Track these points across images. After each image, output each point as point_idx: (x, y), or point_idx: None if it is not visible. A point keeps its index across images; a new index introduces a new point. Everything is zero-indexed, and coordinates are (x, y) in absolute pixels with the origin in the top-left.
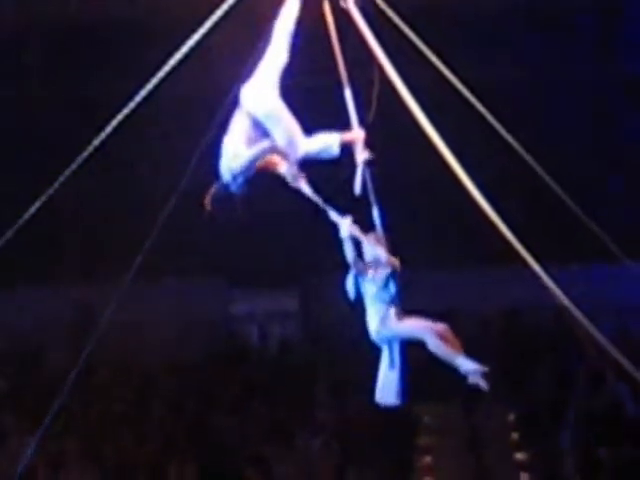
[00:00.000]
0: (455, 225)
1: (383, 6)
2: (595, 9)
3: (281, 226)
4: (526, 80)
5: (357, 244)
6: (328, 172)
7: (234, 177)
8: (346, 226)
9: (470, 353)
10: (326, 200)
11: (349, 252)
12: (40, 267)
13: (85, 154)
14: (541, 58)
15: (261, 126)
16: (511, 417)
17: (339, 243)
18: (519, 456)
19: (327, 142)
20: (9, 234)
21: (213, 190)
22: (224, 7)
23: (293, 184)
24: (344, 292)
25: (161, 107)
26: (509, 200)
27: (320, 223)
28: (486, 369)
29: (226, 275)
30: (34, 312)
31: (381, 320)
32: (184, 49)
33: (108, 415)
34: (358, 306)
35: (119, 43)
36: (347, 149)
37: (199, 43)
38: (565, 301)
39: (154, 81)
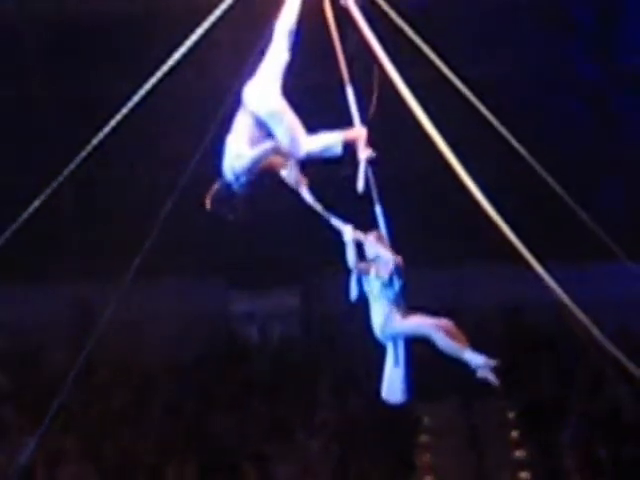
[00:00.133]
0: (456, 223)
1: (382, 3)
2: (595, 6)
3: (281, 225)
4: (526, 78)
5: (359, 244)
6: (330, 170)
7: (236, 177)
8: (349, 233)
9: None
10: (327, 204)
11: (351, 257)
12: (40, 266)
13: (84, 153)
14: (541, 56)
15: (264, 126)
16: (511, 415)
17: (339, 242)
18: (519, 454)
19: (330, 141)
20: (8, 233)
21: (215, 189)
22: (224, 6)
23: (294, 187)
24: (344, 291)
25: (161, 106)
26: (509, 198)
27: (320, 222)
28: (495, 363)
29: (226, 274)
30: (34, 311)
31: (386, 318)
32: (184, 48)
33: (107, 414)
34: (360, 305)
35: (118, 42)
36: (349, 147)
37: (199, 41)
38: (565, 299)
39: (153, 80)
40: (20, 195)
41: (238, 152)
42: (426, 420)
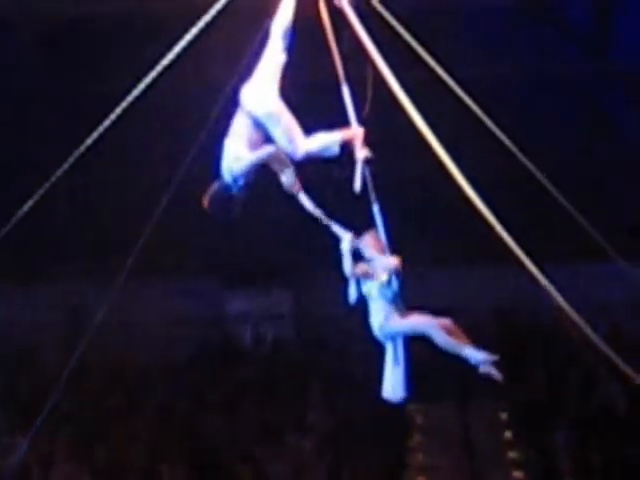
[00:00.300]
0: (449, 224)
1: (376, 3)
2: (589, 6)
3: (275, 227)
4: (520, 78)
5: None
6: (327, 170)
7: (235, 179)
8: (347, 242)
9: None
10: (326, 208)
11: (347, 265)
12: (32, 267)
13: (78, 153)
14: (535, 56)
15: (262, 127)
16: (504, 416)
17: (333, 244)
18: (512, 455)
19: (328, 141)
20: (2, 233)
21: (213, 190)
22: (218, 5)
23: (292, 193)
24: (337, 293)
25: (155, 105)
26: (503, 198)
27: (318, 227)
28: (496, 358)
29: (220, 275)
30: (26, 312)
31: (385, 317)
32: (179, 47)
33: (100, 415)
34: (355, 307)
35: (113, 41)
36: (346, 147)
37: (194, 41)
38: (558, 300)
39: (148, 79)
40: (12, 196)
41: (237, 154)
42: (419, 420)
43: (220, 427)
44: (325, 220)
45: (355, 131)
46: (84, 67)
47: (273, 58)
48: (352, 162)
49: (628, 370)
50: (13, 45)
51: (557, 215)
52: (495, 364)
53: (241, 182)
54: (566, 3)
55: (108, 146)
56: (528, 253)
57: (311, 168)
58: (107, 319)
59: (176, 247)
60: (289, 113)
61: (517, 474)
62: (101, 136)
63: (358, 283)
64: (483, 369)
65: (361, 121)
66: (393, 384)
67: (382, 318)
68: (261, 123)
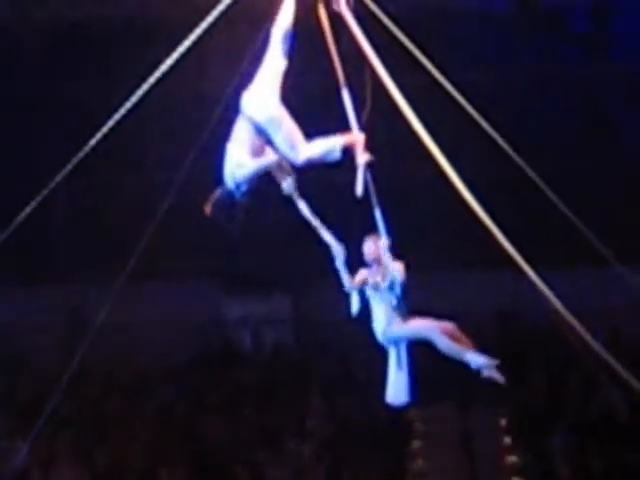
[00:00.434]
0: (448, 228)
1: (374, 8)
2: (588, 8)
3: (274, 231)
4: (518, 82)
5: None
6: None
7: (237, 185)
8: (340, 258)
9: None
10: (323, 218)
11: (345, 279)
12: (33, 270)
13: (77, 158)
14: (534, 59)
15: (264, 133)
16: (503, 421)
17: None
18: (511, 460)
19: (329, 146)
20: (3, 235)
21: (215, 196)
22: (218, 11)
23: (293, 199)
24: (337, 297)
25: (155, 109)
26: (501, 203)
27: (313, 229)
28: (497, 361)
29: (220, 280)
30: (26, 314)
31: (387, 322)
32: (178, 52)
33: (100, 417)
34: (354, 312)
35: (112, 45)
36: (348, 152)
37: (194, 45)
38: (557, 304)
39: (148, 84)
40: (14, 198)
41: (239, 161)
42: (419, 426)
43: (220, 431)
44: (321, 230)
45: (356, 136)
46: (85, 71)
47: (274, 63)
48: (353, 167)
49: (627, 375)
50: (13, 50)
51: (556, 220)
52: (497, 368)
53: (244, 188)
54: (565, 5)
55: (110, 149)
56: (527, 258)
57: (313, 173)
58: (108, 321)
59: (177, 251)
60: (290, 118)
61: (517, 479)
62: (103, 139)
63: (361, 293)
64: (486, 373)
65: (362, 126)
66: (396, 388)
67: (385, 323)
68: (262, 129)
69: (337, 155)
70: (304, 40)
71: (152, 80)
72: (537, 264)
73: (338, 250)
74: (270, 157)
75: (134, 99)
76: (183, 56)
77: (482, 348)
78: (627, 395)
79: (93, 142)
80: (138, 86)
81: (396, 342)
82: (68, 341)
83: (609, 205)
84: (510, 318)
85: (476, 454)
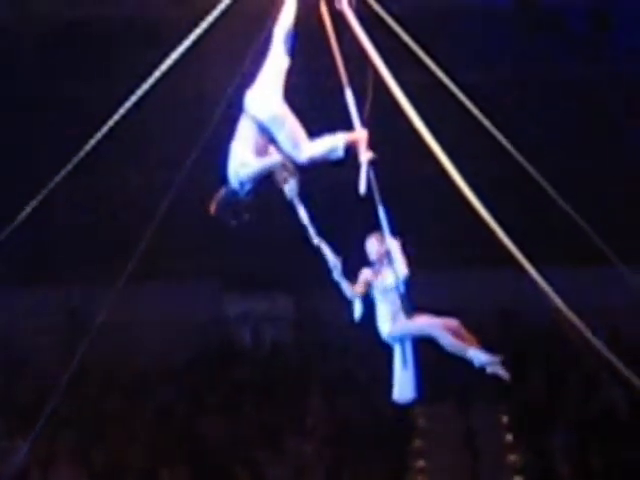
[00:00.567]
0: (449, 226)
1: (376, 7)
2: (588, 9)
3: (275, 229)
4: (520, 81)
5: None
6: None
7: (242, 184)
8: (337, 270)
9: None
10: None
11: (346, 289)
12: (33, 270)
13: (77, 157)
14: (534, 60)
15: (267, 132)
16: (505, 419)
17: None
18: (513, 458)
19: (332, 144)
20: (2, 235)
21: (220, 195)
22: (218, 11)
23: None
24: (338, 296)
25: (154, 109)
26: (504, 201)
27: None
28: (501, 358)
29: (220, 277)
30: (26, 315)
31: (392, 320)
32: (178, 51)
33: (100, 417)
34: (357, 317)
35: (113, 45)
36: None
37: (194, 45)
38: (559, 303)
39: (148, 84)
40: (13, 199)
41: (243, 160)
42: (420, 423)
43: (220, 430)
44: (317, 240)
45: (359, 133)
46: (84, 71)
47: (276, 62)
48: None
49: (628, 373)
50: (11, 49)
51: (557, 218)
52: (501, 364)
53: (248, 187)
54: (565, 6)
55: (110, 149)
56: (528, 256)
57: (317, 172)
58: (107, 321)
59: (177, 250)
60: (293, 117)
61: (518, 478)
62: (103, 139)
63: (365, 298)
64: (491, 370)
65: (364, 123)
66: (402, 386)
67: (390, 321)
68: (265, 127)
69: (340, 153)
70: (306, 38)
71: (152, 80)
72: (538, 262)
73: (335, 262)
74: (274, 157)
75: (134, 99)
76: (184, 55)
77: (483, 346)
78: (628, 393)
79: (93, 142)
80: (138, 86)
81: (401, 339)
82: (68, 341)
83: (609, 205)
84: (511, 316)
85: (478, 452)
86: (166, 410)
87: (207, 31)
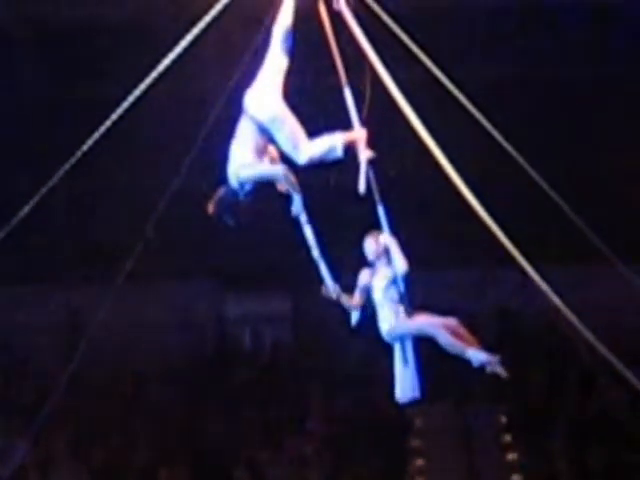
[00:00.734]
0: (449, 225)
1: (374, 6)
2: (588, 9)
3: (275, 229)
4: (519, 80)
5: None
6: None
7: (241, 185)
8: (334, 293)
9: None
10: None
11: (346, 302)
12: (32, 270)
13: (76, 157)
14: (533, 58)
15: (267, 132)
16: (503, 419)
17: (333, 247)
18: (511, 457)
19: (330, 144)
20: (2, 235)
21: (218, 195)
22: (215, 10)
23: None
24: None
25: (154, 109)
26: (501, 200)
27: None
28: (498, 357)
29: (219, 278)
30: (26, 315)
31: (392, 318)
32: (175, 52)
33: (100, 417)
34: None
35: (109, 46)
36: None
37: (190, 46)
38: (557, 302)
39: (146, 83)
40: (12, 199)
41: (243, 161)
42: (418, 423)
43: (219, 430)
44: (317, 257)
45: (358, 133)
46: (85, 71)
47: (275, 62)
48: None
49: (626, 372)
50: (13, 49)
51: (557, 218)
52: (500, 362)
53: (248, 188)
54: (564, 5)
55: (110, 148)
56: (528, 255)
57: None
58: (107, 321)
59: (176, 250)
60: (293, 117)
61: (516, 477)
62: (102, 139)
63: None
64: (490, 369)
65: (363, 122)
66: (403, 385)
67: (390, 320)
68: (265, 128)
69: (339, 153)
70: (305, 38)
71: (150, 80)
72: (537, 262)
73: (331, 288)
74: (278, 168)
75: (132, 99)
76: (181, 56)
77: (482, 345)
78: (627, 393)
79: (92, 141)
80: (136, 86)
81: (401, 339)
82: (68, 341)
83: (609, 204)
84: (510, 316)
85: (476, 452)
86: (166, 410)
87: (204, 31)
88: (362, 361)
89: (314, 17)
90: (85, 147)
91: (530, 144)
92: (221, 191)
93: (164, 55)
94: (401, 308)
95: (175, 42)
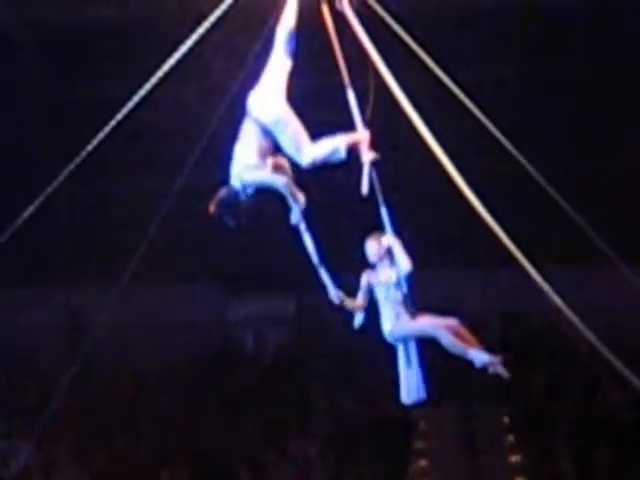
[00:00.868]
0: (452, 227)
1: (377, 7)
2: (588, 9)
3: (277, 231)
4: (522, 81)
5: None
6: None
7: (244, 187)
8: (338, 298)
9: None
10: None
11: (350, 305)
12: (34, 272)
13: (78, 159)
14: (535, 57)
15: (270, 134)
16: (506, 420)
17: (335, 248)
18: (514, 459)
19: (334, 146)
20: (3, 238)
21: (220, 196)
22: (219, 11)
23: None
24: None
25: (155, 111)
26: (506, 202)
27: (316, 230)
28: (500, 358)
29: (222, 280)
30: (28, 316)
31: (395, 320)
32: (179, 54)
33: (101, 418)
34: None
35: (113, 48)
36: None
37: (194, 47)
38: (560, 303)
39: (148, 86)
40: (14, 201)
41: (247, 163)
42: (422, 425)
43: (222, 431)
44: (318, 265)
45: (361, 134)
46: (85, 72)
47: (278, 64)
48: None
49: (629, 374)
50: (13, 50)
51: (558, 218)
52: (502, 363)
53: (250, 190)
54: (564, 5)
55: (111, 150)
56: (529, 257)
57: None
58: (109, 323)
59: (180, 252)
60: (296, 119)
61: (519, 478)
62: (104, 140)
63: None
64: (492, 370)
65: (366, 124)
66: (408, 387)
67: (393, 321)
68: (269, 130)
69: (342, 155)
70: (308, 40)
71: (155, 80)
72: (539, 263)
73: (333, 294)
74: (281, 179)
75: (135, 99)
76: (185, 56)
77: (484, 346)
78: (630, 394)
79: (95, 143)
80: (139, 87)
81: (404, 340)
82: (69, 342)
83: (609, 205)
84: (512, 317)
85: (479, 453)
86: (169, 412)
87: (209, 32)
88: (366, 363)
89: (317, 18)
90: (90, 147)
91: (531, 144)
92: (223, 191)
93: (166, 57)
94: (403, 309)
95: (178, 44)
